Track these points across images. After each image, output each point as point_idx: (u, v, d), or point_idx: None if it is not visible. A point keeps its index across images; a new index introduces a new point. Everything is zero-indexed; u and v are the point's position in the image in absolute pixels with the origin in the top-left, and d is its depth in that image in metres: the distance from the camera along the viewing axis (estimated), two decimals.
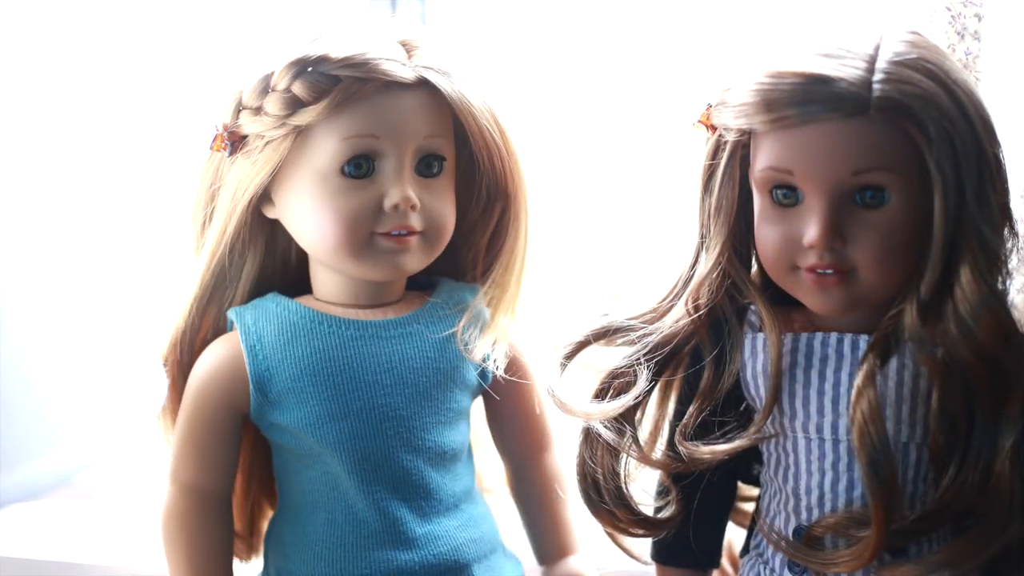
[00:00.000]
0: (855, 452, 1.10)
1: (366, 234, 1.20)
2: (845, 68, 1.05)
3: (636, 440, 1.19)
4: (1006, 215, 1.10)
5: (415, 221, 1.21)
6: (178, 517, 1.26)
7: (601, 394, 1.20)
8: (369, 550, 1.23)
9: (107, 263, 1.68)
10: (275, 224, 1.26)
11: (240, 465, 1.32)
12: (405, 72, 1.19)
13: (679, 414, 1.20)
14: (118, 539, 1.61)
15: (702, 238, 1.18)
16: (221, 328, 1.28)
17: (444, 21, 1.77)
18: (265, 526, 1.35)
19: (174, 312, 1.27)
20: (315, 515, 1.25)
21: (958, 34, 1.24)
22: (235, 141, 1.21)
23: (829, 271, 1.10)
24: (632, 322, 1.20)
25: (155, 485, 1.29)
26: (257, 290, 1.29)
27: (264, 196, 1.24)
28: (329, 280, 1.26)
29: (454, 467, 1.27)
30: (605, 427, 1.19)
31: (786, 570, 1.18)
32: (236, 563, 1.34)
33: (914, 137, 1.06)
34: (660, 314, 1.20)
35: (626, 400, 1.18)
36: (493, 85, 1.25)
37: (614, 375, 1.19)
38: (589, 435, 1.21)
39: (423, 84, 1.20)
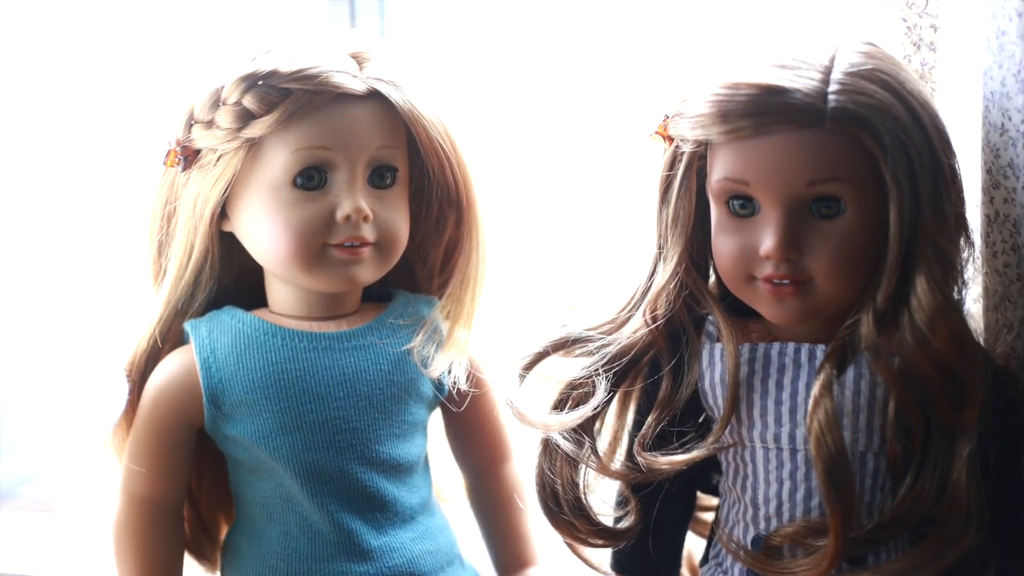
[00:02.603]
0: (812, 461, 1.10)
1: (318, 246, 1.20)
2: (800, 79, 1.06)
3: (595, 451, 1.19)
4: (961, 225, 1.11)
5: (368, 232, 1.20)
6: (129, 528, 1.26)
7: (559, 405, 1.20)
8: (324, 562, 1.23)
9: (65, 274, 1.68)
10: (232, 237, 1.26)
11: (204, 478, 1.32)
12: (356, 84, 1.19)
13: (638, 424, 1.20)
14: (76, 552, 1.60)
15: (659, 249, 1.18)
16: (182, 343, 1.27)
17: (403, 32, 1.76)
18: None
19: (138, 331, 1.26)
20: (270, 528, 1.25)
21: (914, 45, 1.24)
22: (188, 156, 1.21)
23: (785, 281, 1.10)
24: (590, 333, 1.20)
25: (111, 497, 1.28)
26: (216, 303, 1.28)
27: (221, 210, 1.23)
28: (283, 292, 1.25)
29: (410, 479, 1.27)
30: (564, 438, 1.18)
31: None
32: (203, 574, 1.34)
33: (869, 147, 1.06)
34: (618, 325, 1.20)
35: (584, 411, 1.17)
36: (446, 96, 1.25)
37: (572, 386, 1.19)
38: (548, 446, 1.20)
39: (375, 95, 1.20)
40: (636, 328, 1.18)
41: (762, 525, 1.17)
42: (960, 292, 1.12)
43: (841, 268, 1.09)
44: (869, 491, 1.13)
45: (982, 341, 1.19)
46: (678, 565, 1.29)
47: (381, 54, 1.22)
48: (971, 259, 1.12)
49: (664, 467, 1.16)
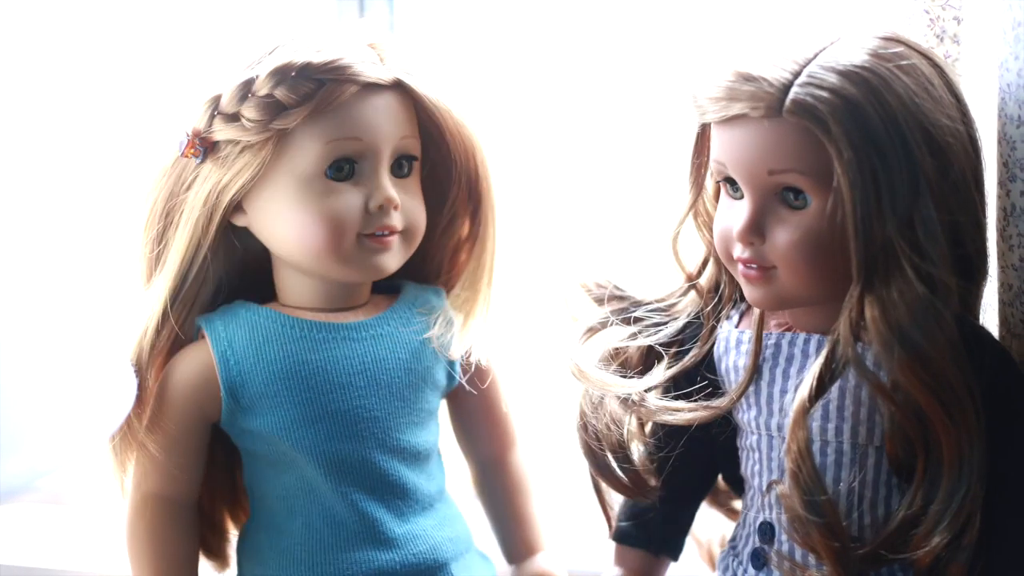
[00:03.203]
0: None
1: (352, 236, 1.21)
2: (773, 69, 1.06)
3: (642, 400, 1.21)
4: (953, 233, 1.08)
5: (396, 221, 1.22)
6: (143, 525, 1.26)
7: (609, 360, 1.22)
8: (349, 551, 1.23)
9: (74, 266, 1.67)
10: (235, 230, 1.26)
11: (208, 473, 1.30)
12: (383, 74, 1.20)
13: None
14: (87, 544, 1.61)
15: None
16: (184, 337, 1.27)
17: (412, 25, 1.76)
18: (232, 534, 1.35)
19: (143, 325, 1.26)
20: (292, 520, 1.25)
21: (937, 37, 1.24)
22: (207, 147, 1.21)
23: (752, 266, 1.11)
24: (649, 305, 1.23)
25: (124, 494, 1.28)
26: (217, 297, 1.28)
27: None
28: (298, 285, 1.26)
29: (427, 466, 1.28)
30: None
31: (750, 565, 1.19)
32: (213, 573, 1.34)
33: (825, 142, 1.05)
34: (675, 296, 1.23)
35: (644, 374, 1.21)
36: (459, 85, 1.26)
37: (627, 348, 1.22)
38: (588, 392, 1.23)
39: (396, 86, 1.22)
40: (691, 300, 1.22)
41: (766, 512, 1.18)
42: (944, 301, 1.06)
43: (798, 260, 1.09)
44: (872, 485, 1.13)
45: (997, 336, 1.18)
46: (678, 545, 1.30)
47: (397, 46, 1.24)
48: (976, 266, 1.11)
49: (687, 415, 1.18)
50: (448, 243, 1.31)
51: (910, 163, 1.05)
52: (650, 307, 1.24)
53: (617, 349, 1.22)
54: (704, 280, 1.22)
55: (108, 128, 1.75)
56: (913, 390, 1.05)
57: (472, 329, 1.28)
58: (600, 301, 1.25)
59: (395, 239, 1.22)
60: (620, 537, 1.30)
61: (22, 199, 1.72)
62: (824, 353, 1.09)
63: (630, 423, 1.22)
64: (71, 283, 1.66)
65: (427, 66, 1.24)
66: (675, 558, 1.30)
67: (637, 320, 1.23)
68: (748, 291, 1.13)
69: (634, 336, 1.22)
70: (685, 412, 1.18)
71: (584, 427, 1.23)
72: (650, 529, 1.28)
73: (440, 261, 1.32)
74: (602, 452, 1.23)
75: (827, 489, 1.09)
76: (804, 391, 1.09)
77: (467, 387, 1.30)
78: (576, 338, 1.24)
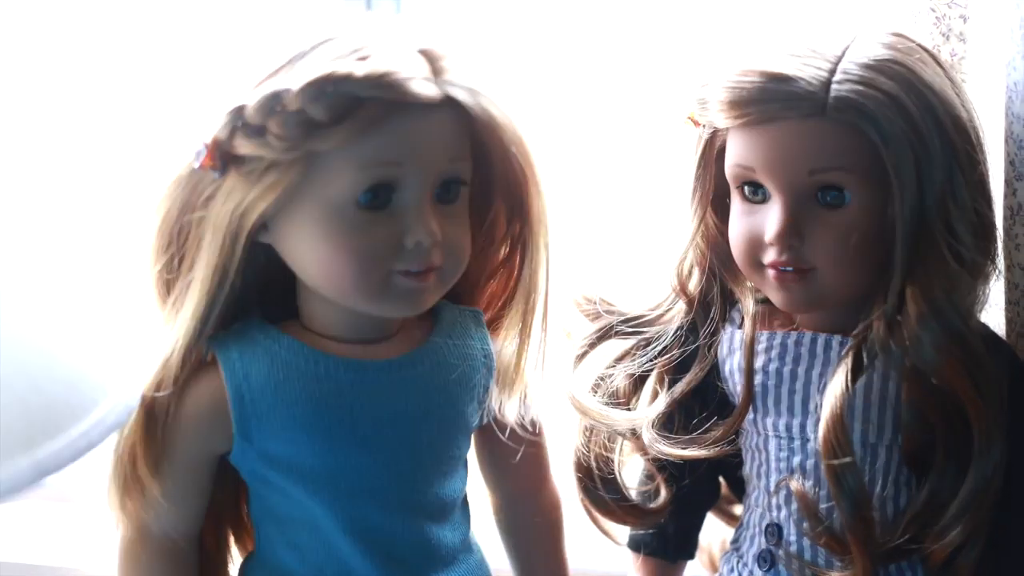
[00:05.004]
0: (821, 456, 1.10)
1: (384, 273, 1.07)
2: (807, 68, 1.06)
3: (633, 431, 1.20)
4: (985, 222, 1.09)
5: (436, 257, 1.07)
6: (138, 563, 1.16)
7: (594, 390, 1.21)
8: None
9: (79, 263, 1.68)
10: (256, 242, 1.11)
11: (213, 507, 1.19)
12: (432, 91, 1.04)
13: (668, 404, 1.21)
14: (93, 542, 1.61)
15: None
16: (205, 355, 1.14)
17: (419, 18, 1.76)
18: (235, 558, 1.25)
19: (162, 352, 1.12)
20: (302, 567, 1.15)
21: (943, 35, 1.24)
22: (227, 160, 1.05)
23: (789, 268, 1.10)
24: (637, 318, 1.22)
25: (119, 523, 1.18)
26: (233, 311, 1.13)
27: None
28: (323, 311, 1.13)
29: (452, 516, 1.18)
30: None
31: (756, 567, 1.19)
32: None
33: (871, 138, 1.05)
34: (663, 311, 1.22)
35: (648, 405, 1.20)
36: (517, 99, 1.11)
37: (613, 378, 1.22)
38: (585, 426, 1.22)
39: (448, 103, 1.05)
40: (677, 313, 1.21)
41: (773, 512, 1.17)
42: (985, 293, 1.10)
43: (843, 259, 1.09)
44: (882, 483, 1.13)
45: (1003, 335, 1.19)
46: (693, 547, 1.30)
47: (454, 54, 1.07)
48: (995, 256, 1.11)
49: (684, 455, 1.18)
50: (487, 266, 1.19)
51: (946, 151, 1.05)
52: (639, 321, 1.22)
53: (601, 378, 1.21)
54: (693, 289, 1.20)
55: (113, 128, 1.74)
56: (948, 369, 1.06)
57: (524, 374, 1.16)
58: (592, 317, 1.23)
59: (434, 275, 1.08)
60: (636, 545, 1.29)
61: (26, 201, 1.72)
62: (851, 345, 1.10)
63: (620, 451, 1.22)
64: (76, 281, 1.67)
65: (484, 79, 1.08)
66: (692, 556, 1.30)
67: (626, 336, 1.22)
68: (780, 295, 1.11)
69: (623, 356, 1.21)
70: (692, 449, 1.18)
71: (578, 464, 1.23)
72: (665, 538, 1.27)
73: (474, 283, 1.19)
74: (595, 487, 1.22)
75: (865, 484, 1.09)
76: (839, 383, 1.09)
77: (495, 430, 1.19)
78: (569, 368, 1.21)
